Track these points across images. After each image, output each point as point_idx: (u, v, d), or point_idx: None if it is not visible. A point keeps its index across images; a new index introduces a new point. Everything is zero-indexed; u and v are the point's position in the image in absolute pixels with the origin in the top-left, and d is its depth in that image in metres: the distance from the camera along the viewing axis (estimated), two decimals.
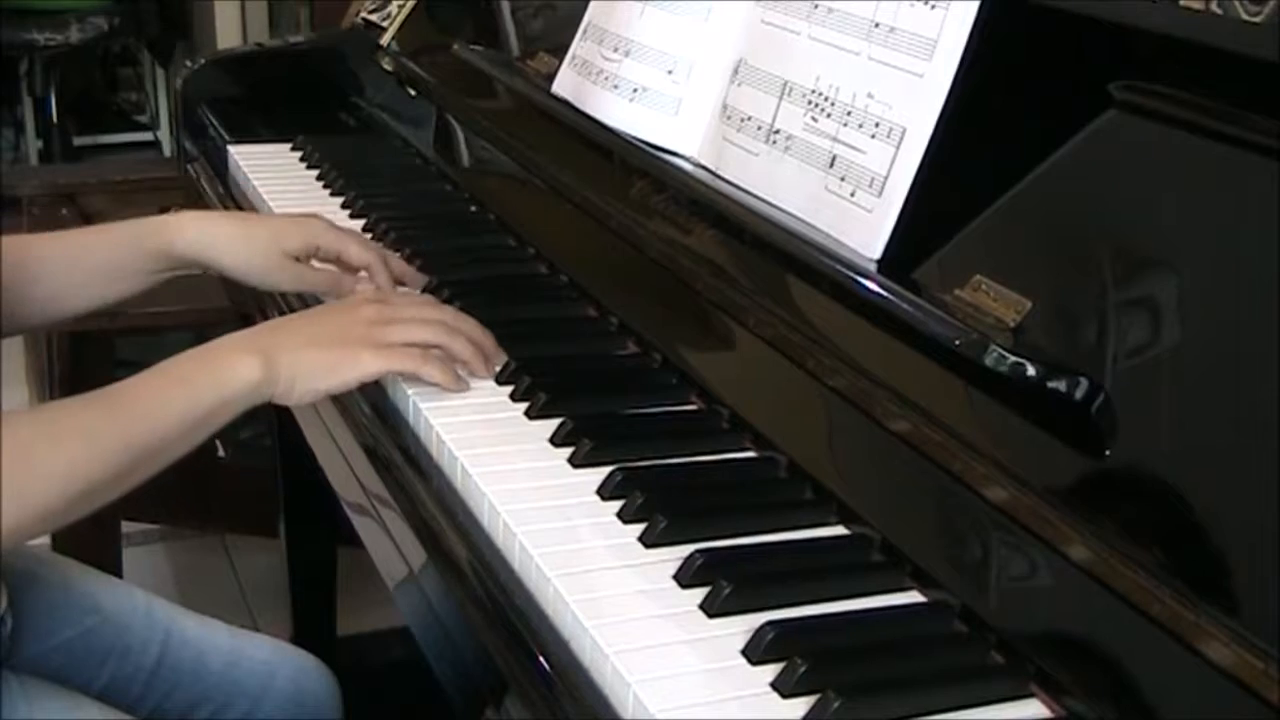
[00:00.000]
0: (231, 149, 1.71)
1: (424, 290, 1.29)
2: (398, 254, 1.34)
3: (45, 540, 1.86)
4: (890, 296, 0.94)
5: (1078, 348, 0.85)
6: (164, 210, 2.45)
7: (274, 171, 1.65)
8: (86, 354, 2.03)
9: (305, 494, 1.95)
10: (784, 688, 0.76)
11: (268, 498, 2.03)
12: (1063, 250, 0.91)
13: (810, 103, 1.10)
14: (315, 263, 1.26)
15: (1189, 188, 0.84)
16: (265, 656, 1.32)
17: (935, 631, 0.84)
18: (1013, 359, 0.85)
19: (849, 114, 1.06)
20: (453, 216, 1.52)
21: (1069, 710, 0.76)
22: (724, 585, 0.83)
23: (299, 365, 1.02)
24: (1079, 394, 0.82)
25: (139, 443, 0.96)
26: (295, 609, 2.07)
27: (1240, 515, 0.74)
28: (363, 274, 1.26)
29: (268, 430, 2.03)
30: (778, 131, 1.13)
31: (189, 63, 1.93)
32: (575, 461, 0.99)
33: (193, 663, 1.27)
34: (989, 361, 0.85)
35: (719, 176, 1.18)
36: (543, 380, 1.08)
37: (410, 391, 1.08)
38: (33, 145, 4.27)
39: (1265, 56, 0.78)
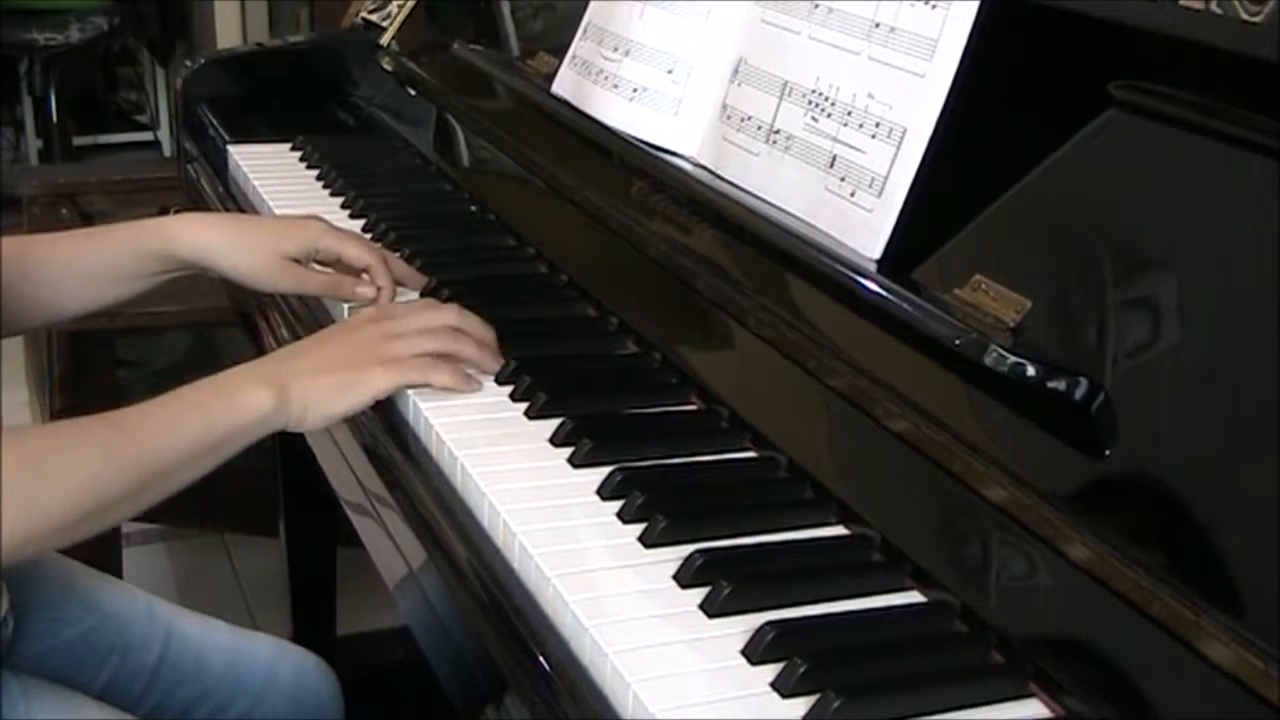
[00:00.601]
0: (231, 149, 1.71)
1: (424, 291, 1.29)
2: (398, 254, 1.34)
3: None
4: (890, 296, 0.94)
5: (1078, 348, 0.85)
6: (164, 210, 2.46)
7: (274, 171, 1.65)
8: (86, 354, 2.03)
9: (305, 494, 1.95)
10: (784, 688, 0.76)
11: (268, 498, 2.03)
12: (1063, 250, 0.91)
13: (810, 103, 1.10)
14: (315, 265, 1.26)
15: (1189, 188, 0.84)
16: (266, 655, 1.32)
17: (935, 631, 0.84)
18: (1012, 359, 0.85)
19: (849, 114, 1.06)
20: (453, 216, 1.52)
21: (1069, 710, 0.76)
22: (724, 585, 0.83)
23: (310, 393, 1.02)
24: (1079, 394, 0.82)
25: (152, 462, 0.97)
26: (295, 609, 2.07)
27: (1240, 515, 0.74)
28: (364, 275, 1.25)
29: None
30: (778, 131, 1.13)
31: (189, 62, 1.93)
32: (575, 461, 0.99)
33: (193, 661, 1.27)
34: (989, 361, 0.85)
35: (719, 176, 1.18)
36: (542, 380, 1.08)
37: (410, 391, 1.08)
38: (33, 145, 4.27)
39: (1265, 56, 0.78)
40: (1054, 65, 0.94)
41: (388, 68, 1.81)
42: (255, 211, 1.57)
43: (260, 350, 1.46)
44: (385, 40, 1.83)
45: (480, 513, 0.95)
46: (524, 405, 1.07)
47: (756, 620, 0.80)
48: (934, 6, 1.00)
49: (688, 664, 0.79)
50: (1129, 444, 0.80)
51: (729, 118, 1.19)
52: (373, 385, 1.05)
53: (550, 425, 1.04)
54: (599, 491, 0.96)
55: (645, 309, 1.20)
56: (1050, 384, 0.83)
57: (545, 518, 0.92)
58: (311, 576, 2.06)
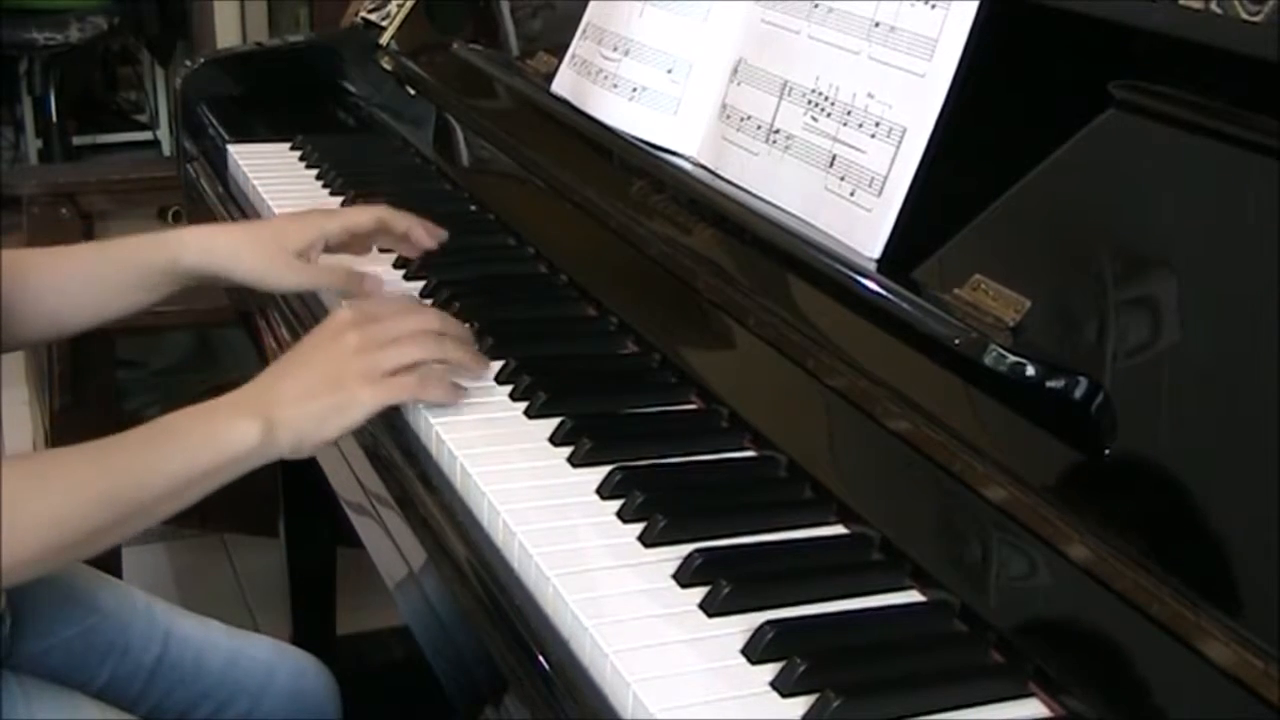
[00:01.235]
0: (231, 148, 1.71)
1: (423, 291, 1.29)
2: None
3: None
4: (890, 296, 0.94)
5: (1077, 347, 0.85)
6: (164, 210, 2.46)
7: (273, 171, 1.65)
8: (86, 354, 2.03)
9: (305, 494, 1.95)
10: (783, 687, 0.76)
11: (268, 498, 2.03)
12: (1062, 250, 0.91)
13: (810, 102, 1.10)
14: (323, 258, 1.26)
15: (1189, 188, 0.84)
16: (264, 656, 1.32)
17: (935, 631, 0.84)
18: (1012, 358, 0.85)
19: (849, 114, 1.06)
20: (452, 216, 1.51)
21: (1069, 710, 0.76)
22: (723, 585, 0.83)
23: (299, 420, 1.00)
24: (1078, 393, 0.82)
25: (126, 499, 0.95)
26: (295, 609, 2.07)
27: (1240, 515, 0.74)
28: (369, 276, 1.24)
29: None
30: (777, 131, 1.13)
31: (189, 62, 1.93)
32: (575, 461, 0.99)
33: (192, 662, 1.27)
34: (988, 361, 0.85)
35: (719, 176, 1.18)
36: (542, 379, 1.08)
37: None
38: (33, 145, 4.27)
39: (1265, 56, 0.78)
40: (1054, 65, 0.94)
41: (387, 67, 1.81)
42: (255, 211, 1.57)
43: (259, 349, 1.46)
44: (385, 40, 1.83)
45: (480, 512, 0.95)
46: (524, 405, 1.07)
47: (756, 620, 0.80)
48: (934, 6, 1.00)
49: (687, 663, 0.79)
50: (1128, 443, 0.80)
51: (729, 117, 1.19)
52: (360, 407, 1.02)
53: (550, 425, 1.04)
54: (599, 491, 0.96)
55: (645, 309, 1.20)
56: (1050, 383, 0.83)
57: (545, 517, 0.92)
58: (311, 576, 2.06)
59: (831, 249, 1.02)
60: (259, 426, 0.98)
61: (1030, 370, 0.84)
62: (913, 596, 0.86)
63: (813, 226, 1.07)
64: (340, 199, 1.55)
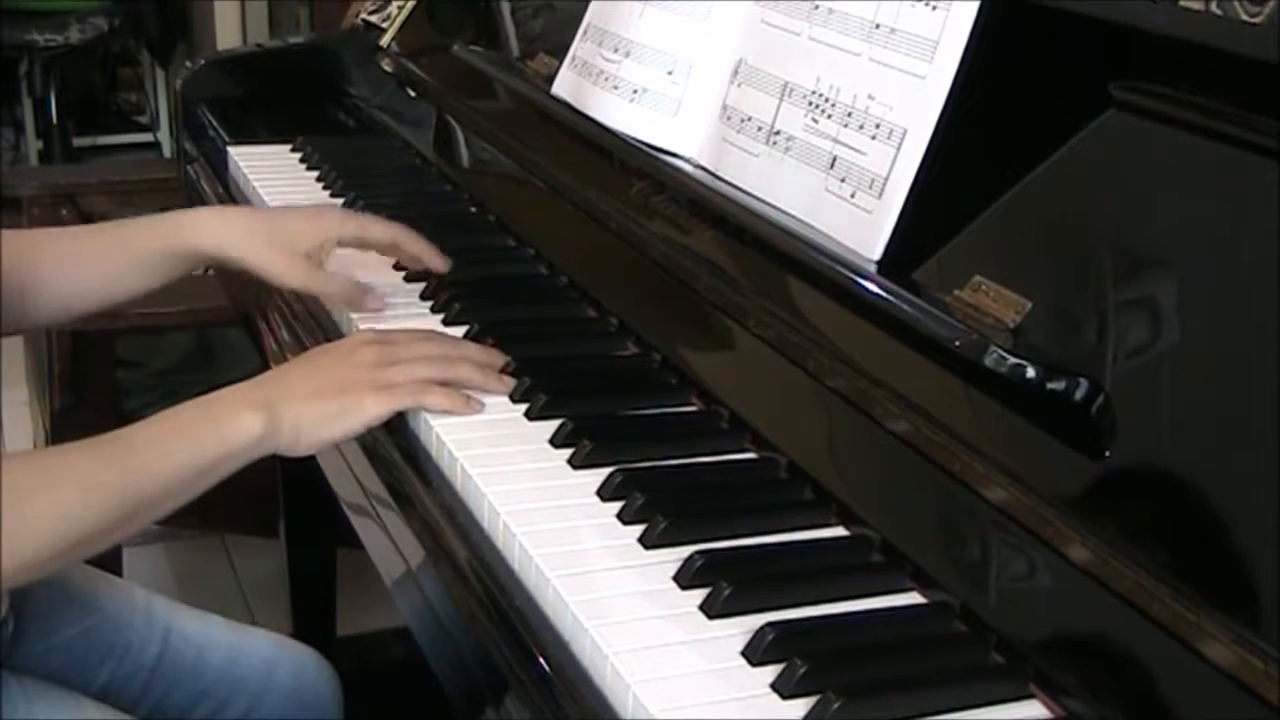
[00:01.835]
0: (231, 150, 1.71)
1: (424, 293, 1.29)
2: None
3: None
4: (890, 297, 0.94)
5: (1078, 348, 0.85)
6: (164, 211, 2.44)
7: (274, 172, 1.65)
8: (86, 354, 2.03)
9: (305, 494, 1.95)
10: (784, 689, 0.76)
11: (268, 498, 2.03)
12: (1063, 250, 0.91)
13: (811, 104, 1.10)
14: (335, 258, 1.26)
15: (1189, 188, 0.84)
16: (266, 652, 1.32)
17: (935, 631, 0.84)
18: (1013, 359, 0.85)
19: (849, 115, 1.06)
20: (453, 217, 1.52)
21: (1069, 710, 0.76)
22: (724, 586, 0.83)
23: (302, 417, 1.01)
24: (1079, 394, 0.82)
25: (135, 492, 0.95)
26: (295, 609, 2.07)
27: (1240, 515, 0.74)
28: (372, 293, 1.24)
29: None
30: (778, 132, 1.13)
31: (189, 63, 1.93)
32: (575, 462, 0.99)
33: (193, 660, 1.27)
34: (989, 362, 0.85)
35: (719, 177, 1.18)
36: (542, 381, 1.08)
37: None
38: (33, 145, 4.27)
39: (1265, 56, 0.78)
40: (1054, 65, 0.94)
41: (387, 69, 1.81)
42: None
43: (260, 348, 1.46)
44: (385, 41, 1.83)
45: (480, 514, 0.95)
46: (524, 406, 1.07)
47: (756, 621, 0.81)
48: (934, 7, 1.00)
49: (688, 665, 0.79)
50: (1129, 444, 0.80)
51: (729, 119, 1.19)
52: (366, 412, 1.03)
53: (550, 426, 1.04)
54: (599, 492, 0.96)
55: (645, 310, 1.20)
56: (1050, 384, 0.83)
57: (545, 519, 0.92)
58: (311, 576, 2.06)
59: (832, 250, 1.02)
60: (262, 418, 0.99)
61: (1030, 371, 0.84)
62: (913, 598, 0.86)
63: (813, 228, 1.07)
64: (340, 200, 1.55)
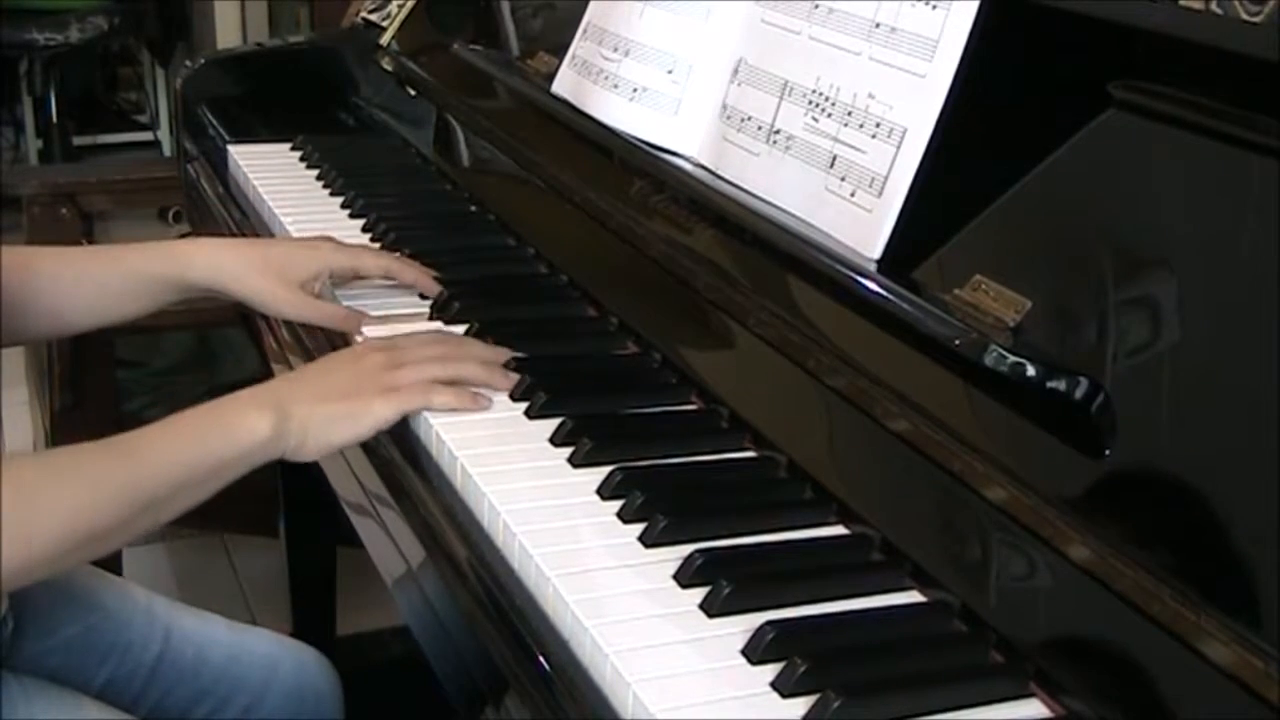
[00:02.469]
0: (231, 149, 1.71)
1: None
2: (397, 254, 1.35)
3: None
4: (890, 296, 0.94)
5: (1078, 348, 0.85)
6: (164, 210, 2.45)
7: (274, 171, 1.65)
8: (86, 354, 2.03)
9: (305, 494, 1.95)
10: (784, 687, 0.76)
11: (268, 498, 2.03)
12: (1063, 250, 0.91)
13: (811, 103, 1.10)
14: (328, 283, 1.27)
15: (1189, 188, 0.84)
16: (266, 651, 1.32)
17: (935, 631, 0.84)
18: (1012, 359, 0.85)
19: (849, 114, 1.06)
20: (453, 216, 1.52)
21: (1069, 710, 0.76)
22: (724, 585, 0.83)
23: (311, 420, 1.01)
24: (1079, 394, 0.82)
25: (146, 490, 0.96)
26: (295, 608, 2.07)
27: (1240, 515, 0.74)
28: (371, 315, 1.25)
29: None
30: (778, 131, 1.13)
31: (189, 63, 1.93)
32: (575, 461, 0.99)
33: (193, 659, 1.27)
34: (989, 361, 0.85)
35: (719, 176, 1.18)
36: (542, 380, 1.08)
37: None
38: (33, 145, 4.27)
39: (1265, 56, 0.78)
40: (1054, 65, 0.94)
41: (387, 68, 1.81)
42: (256, 212, 1.57)
43: (260, 349, 1.46)
44: (385, 40, 1.83)
45: (480, 513, 0.95)
46: (524, 405, 1.07)
47: (756, 620, 0.80)
48: (934, 7, 1.00)
49: (688, 664, 0.79)
50: (1129, 444, 0.80)
51: (729, 118, 1.19)
52: (375, 416, 1.03)
53: (550, 425, 1.04)
54: (599, 491, 0.96)
55: (645, 309, 1.20)
56: (1050, 384, 0.83)
57: (545, 518, 0.92)
58: (311, 576, 2.06)
59: (832, 249, 1.02)
60: (271, 420, 1.00)
61: (1030, 370, 0.84)
62: (913, 597, 0.86)
63: (813, 227, 1.07)
64: (340, 199, 1.55)
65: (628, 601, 0.84)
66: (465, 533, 0.94)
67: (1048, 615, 0.80)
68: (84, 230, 2.20)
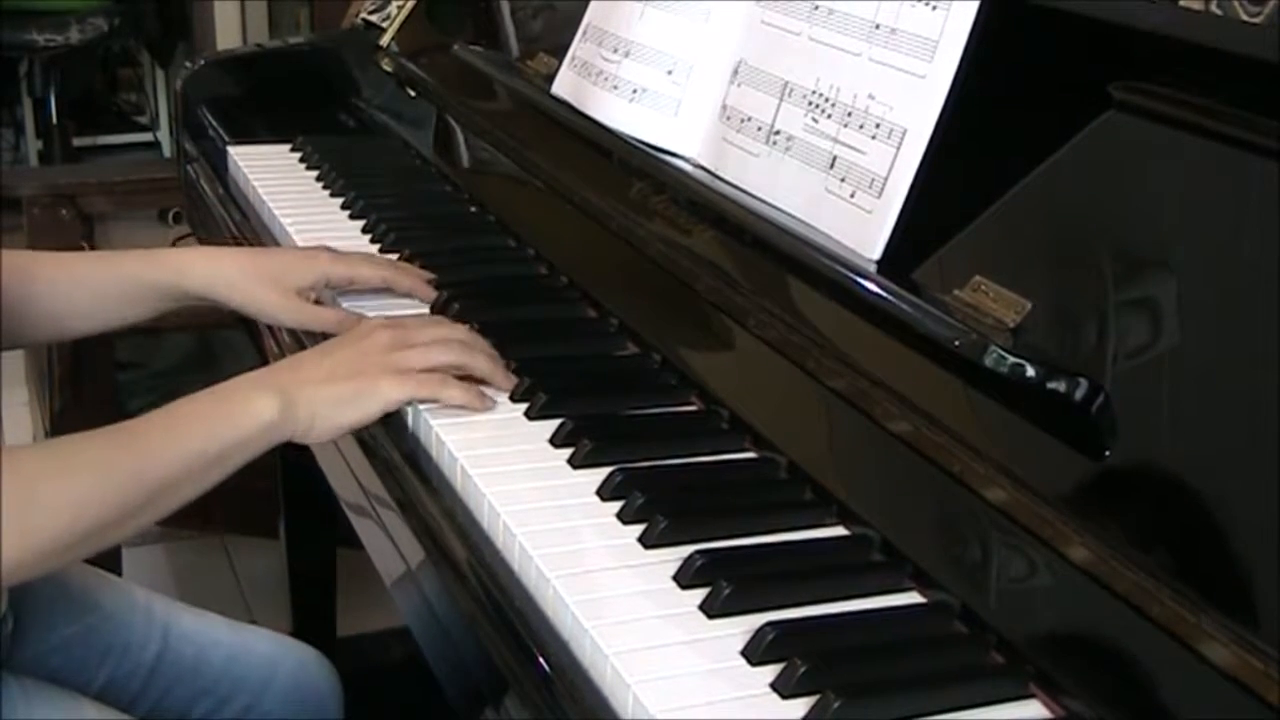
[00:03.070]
0: (231, 150, 1.71)
1: None
2: (396, 255, 1.34)
3: None
4: (890, 297, 0.94)
5: (1077, 348, 0.85)
6: (164, 211, 2.45)
7: (274, 172, 1.65)
8: (86, 355, 2.03)
9: (305, 494, 1.95)
10: (784, 688, 0.76)
11: (268, 498, 2.03)
12: (1062, 250, 0.91)
13: (810, 104, 1.10)
14: (326, 292, 1.27)
15: (1189, 188, 0.84)
16: (266, 650, 1.32)
17: (935, 631, 0.84)
18: (1012, 359, 0.85)
19: (849, 115, 1.06)
20: (453, 217, 1.52)
21: (1069, 710, 0.76)
22: (724, 586, 0.83)
23: (317, 401, 1.00)
24: (1079, 394, 0.82)
25: (151, 478, 0.95)
26: (295, 609, 2.07)
27: (1240, 516, 0.74)
28: (369, 317, 1.24)
29: None
30: (778, 132, 1.13)
31: (189, 63, 1.93)
32: (575, 462, 0.99)
33: (192, 659, 1.27)
34: (989, 362, 0.85)
35: (719, 177, 1.18)
36: (542, 381, 1.08)
37: None
38: (32, 146, 4.27)
39: (1265, 56, 0.78)
40: (1054, 65, 0.94)
41: (387, 68, 1.81)
42: (256, 213, 1.57)
43: (260, 350, 1.46)
44: (385, 41, 1.83)
45: (480, 514, 0.95)
46: (524, 406, 1.07)
47: (756, 621, 0.81)
48: (934, 7, 1.00)
49: (687, 665, 0.79)
50: (1129, 444, 0.80)
51: (729, 119, 1.19)
52: (383, 396, 1.03)
53: (550, 426, 1.04)
54: (599, 492, 0.96)
55: (645, 310, 1.20)
56: (1050, 385, 0.83)
57: (545, 519, 0.92)
58: (311, 577, 2.06)
59: (832, 250, 1.02)
60: (277, 402, 0.99)
61: (1030, 372, 0.84)
62: (913, 598, 0.86)
63: (813, 228, 1.07)
64: (340, 200, 1.55)
65: (628, 602, 0.84)
66: (465, 534, 0.94)
67: (1048, 616, 0.80)
68: (84, 232, 2.20)
